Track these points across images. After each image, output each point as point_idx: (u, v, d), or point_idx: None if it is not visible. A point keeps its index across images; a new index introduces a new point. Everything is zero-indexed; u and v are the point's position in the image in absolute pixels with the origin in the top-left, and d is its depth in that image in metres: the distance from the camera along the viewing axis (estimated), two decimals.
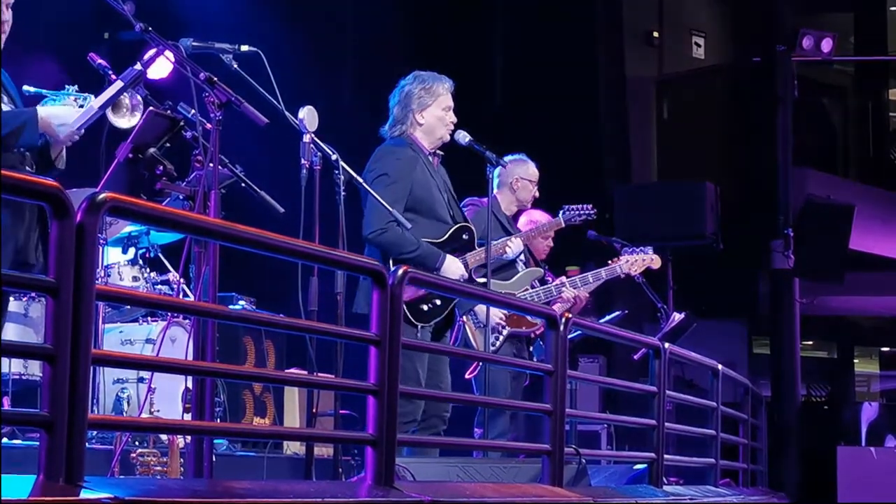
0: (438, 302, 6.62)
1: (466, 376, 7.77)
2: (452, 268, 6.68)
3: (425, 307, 6.60)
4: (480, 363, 7.57)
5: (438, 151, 6.90)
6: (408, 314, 6.50)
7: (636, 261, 8.08)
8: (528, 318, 7.76)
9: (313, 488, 4.35)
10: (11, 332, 6.51)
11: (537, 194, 8.25)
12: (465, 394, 7.36)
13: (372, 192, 6.20)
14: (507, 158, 7.97)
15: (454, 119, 6.86)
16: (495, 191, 7.88)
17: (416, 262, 6.52)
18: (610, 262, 8.15)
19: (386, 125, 6.89)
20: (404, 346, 4.41)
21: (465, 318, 7.67)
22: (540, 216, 8.35)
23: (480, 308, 7.52)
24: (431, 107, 6.80)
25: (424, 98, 6.79)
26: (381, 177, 6.59)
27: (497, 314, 7.72)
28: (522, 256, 7.96)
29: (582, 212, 7.90)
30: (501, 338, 7.82)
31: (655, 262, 8.15)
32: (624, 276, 8.09)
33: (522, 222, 8.34)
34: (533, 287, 7.88)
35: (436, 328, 6.73)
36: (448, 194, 6.89)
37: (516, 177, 8.15)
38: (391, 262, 6.48)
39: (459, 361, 7.71)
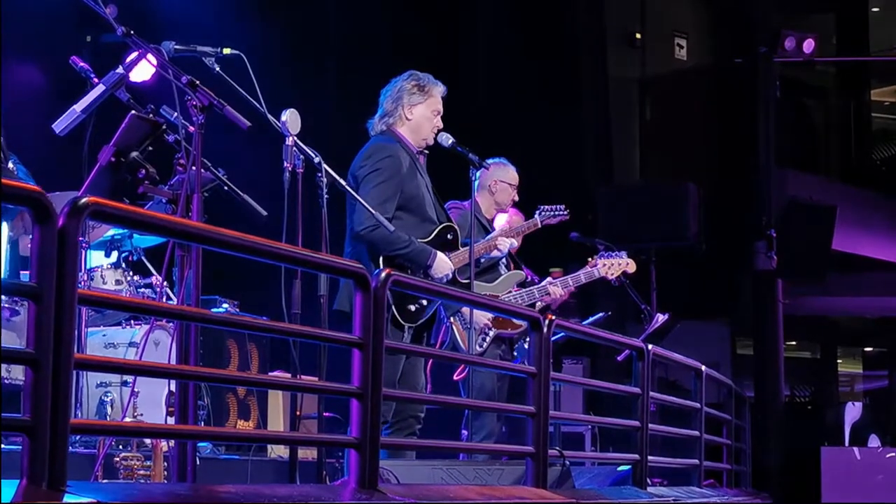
0: (425, 302, 6.63)
1: (455, 377, 7.78)
2: (443, 265, 6.69)
3: (413, 307, 6.60)
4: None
5: (424, 151, 6.92)
6: (396, 315, 6.50)
7: (612, 265, 8.12)
8: (514, 319, 7.78)
9: (297, 492, 4.34)
10: None
11: (517, 198, 8.23)
12: (448, 396, 7.35)
13: (354, 194, 6.20)
14: (488, 161, 7.98)
15: (440, 125, 6.88)
16: (476, 193, 7.87)
17: (407, 259, 6.54)
18: (589, 259, 8.17)
19: (375, 117, 6.91)
20: (387, 349, 4.41)
21: (452, 319, 7.68)
22: (515, 215, 8.35)
23: (467, 310, 7.53)
24: (422, 105, 6.82)
25: (416, 95, 6.82)
26: (373, 173, 6.59)
27: (484, 316, 7.73)
28: (504, 259, 7.98)
29: (557, 212, 7.93)
30: (488, 339, 7.83)
31: (631, 266, 8.19)
32: (601, 278, 8.13)
33: (500, 221, 8.32)
34: (516, 290, 7.89)
35: (416, 331, 6.73)
36: (433, 194, 6.90)
37: (494, 179, 8.15)
38: (381, 258, 6.49)
39: (447, 363, 7.72)
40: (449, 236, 6.87)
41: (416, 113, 6.82)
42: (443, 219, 6.91)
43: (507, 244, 7.43)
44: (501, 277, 7.90)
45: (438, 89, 6.89)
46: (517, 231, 7.94)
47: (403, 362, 6.62)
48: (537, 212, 8.00)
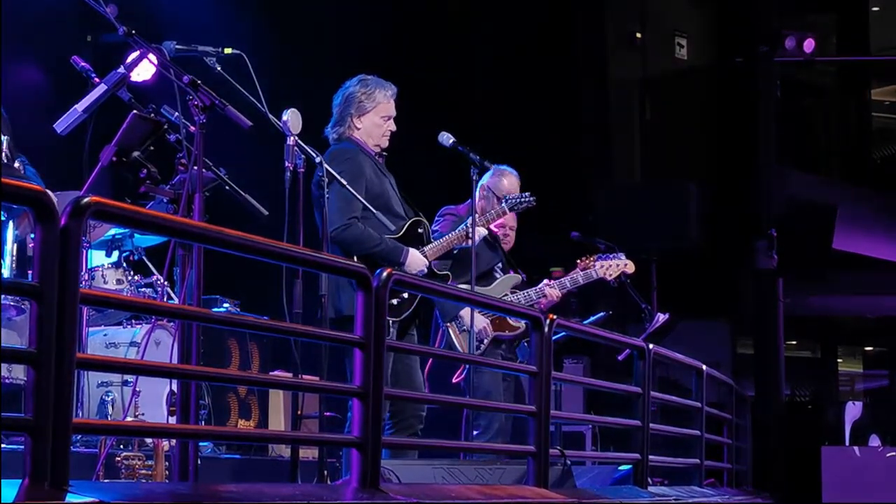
0: (406, 295, 6.62)
1: (454, 380, 7.77)
2: (416, 261, 6.70)
3: (395, 301, 6.59)
4: (466, 367, 7.58)
5: (383, 153, 6.91)
6: None
7: (610, 266, 8.10)
8: (511, 321, 7.77)
9: (298, 491, 4.35)
10: None
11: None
12: (450, 396, 7.36)
13: (353, 192, 6.21)
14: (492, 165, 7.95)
15: (393, 128, 6.86)
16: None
17: (380, 257, 6.52)
18: (578, 261, 8.14)
19: (328, 125, 6.91)
20: (389, 348, 4.42)
21: (449, 324, 7.68)
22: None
23: (465, 313, 7.52)
24: (370, 113, 6.81)
25: (364, 103, 6.80)
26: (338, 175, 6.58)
27: (484, 321, 7.72)
28: (500, 264, 7.97)
29: (523, 199, 7.83)
30: (485, 344, 7.81)
31: (629, 266, 8.18)
32: (599, 279, 8.11)
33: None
34: (511, 293, 7.89)
35: (401, 325, 6.72)
36: (398, 191, 6.90)
37: (484, 184, 8.08)
38: (354, 258, 6.47)
39: (447, 366, 7.71)
40: (419, 230, 6.89)
41: (365, 122, 6.81)
42: (411, 214, 6.92)
43: (479, 233, 7.39)
44: (498, 280, 7.89)
45: (387, 93, 6.84)
46: (487, 219, 7.83)
47: (392, 361, 6.60)
48: (504, 200, 7.90)
